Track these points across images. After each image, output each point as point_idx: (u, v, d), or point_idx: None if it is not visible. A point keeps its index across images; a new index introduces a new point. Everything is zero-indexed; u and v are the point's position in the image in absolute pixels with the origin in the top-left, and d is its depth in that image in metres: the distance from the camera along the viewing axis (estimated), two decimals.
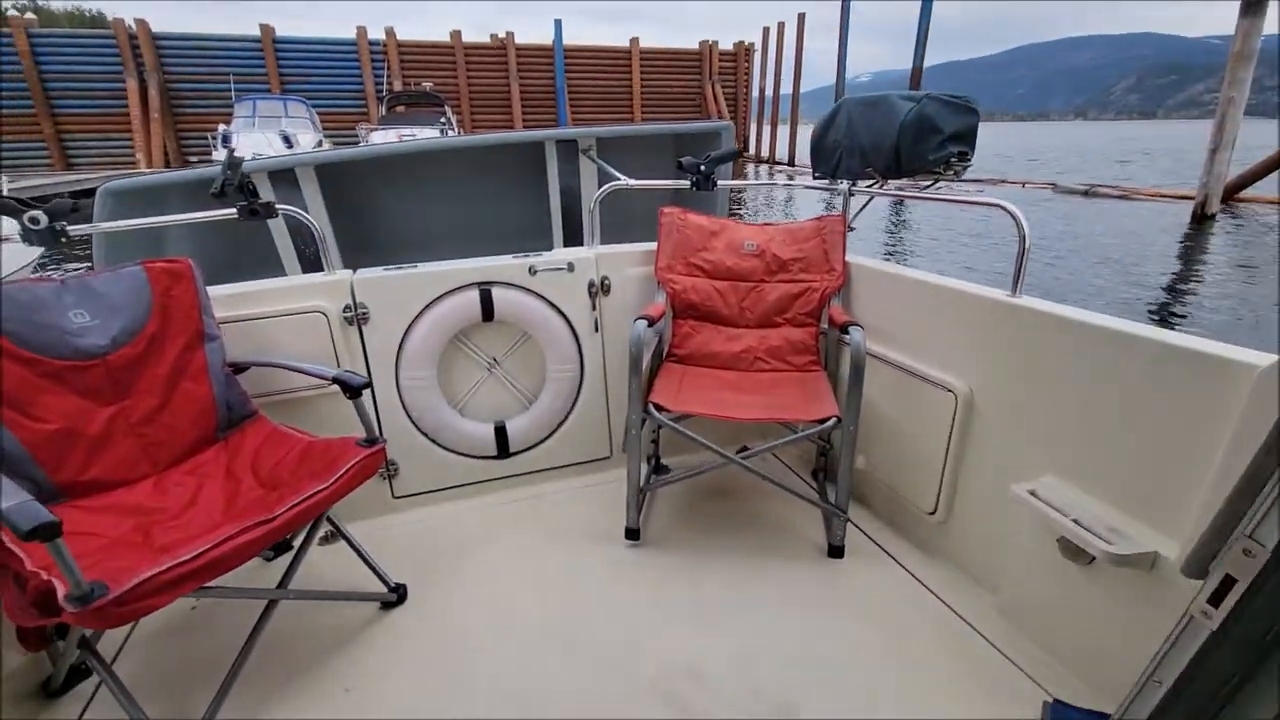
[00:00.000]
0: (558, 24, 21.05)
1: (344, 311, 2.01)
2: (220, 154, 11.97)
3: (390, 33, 19.68)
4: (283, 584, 1.56)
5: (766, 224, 2.33)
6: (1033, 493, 1.48)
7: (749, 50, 24.63)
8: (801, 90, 25.25)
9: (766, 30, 25.75)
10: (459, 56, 20.48)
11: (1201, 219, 10.99)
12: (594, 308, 2.29)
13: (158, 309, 1.67)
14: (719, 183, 2.41)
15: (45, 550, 1.07)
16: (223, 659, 1.45)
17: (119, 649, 1.64)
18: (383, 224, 3.21)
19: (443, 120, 14.46)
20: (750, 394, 2.03)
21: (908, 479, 1.95)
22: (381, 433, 2.13)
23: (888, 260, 2.16)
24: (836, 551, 1.92)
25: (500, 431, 2.26)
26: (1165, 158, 28.59)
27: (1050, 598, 1.51)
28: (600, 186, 2.42)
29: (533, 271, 2.19)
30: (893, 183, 2.13)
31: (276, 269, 2.90)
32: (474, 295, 2.12)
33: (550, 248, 2.39)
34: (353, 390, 1.62)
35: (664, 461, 2.45)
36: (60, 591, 1.12)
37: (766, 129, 26.45)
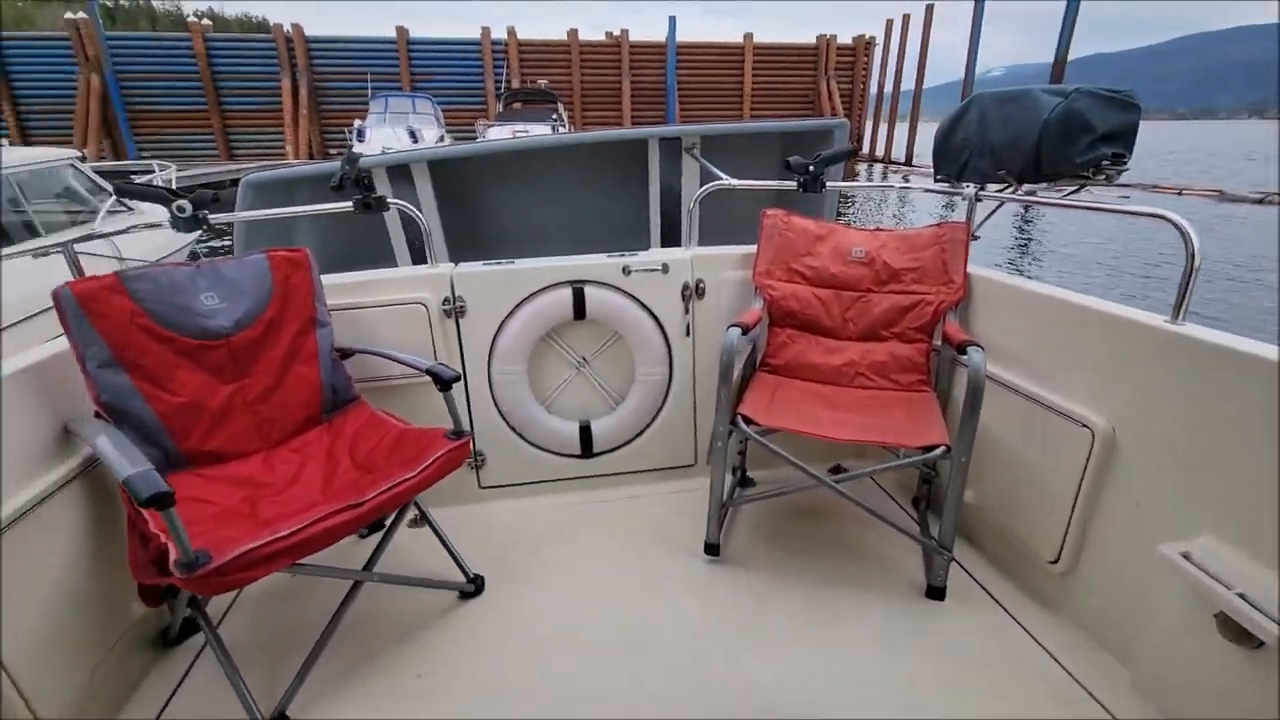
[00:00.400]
0: (672, 20, 21.05)
1: (443, 304, 2.06)
2: (358, 147, 12.96)
3: (512, 32, 20.50)
4: (370, 564, 1.62)
5: (878, 229, 2.16)
6: (1186, 556, 1.26)
7: (869, 44, 23.51)
8: (924, 86, 23.81)
9: (890, 23, 24.47)
10: (574, 54, 20.98)
11: None
12: (687, 311, 2.22)
13: (277, 295, 1.78)
14: (828, 184, 2.27)
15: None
16: (312, 631, 1.52)
17: (226, 610, 1.78)
18: (488, 218, 3.30)
19: (554, 117, 14.86)
20: (848, 412, 1.89)
21: (1026, 520, 1.74)
22: (473, 424, 2.18)
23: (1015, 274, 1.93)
24: (936, 592, 1.75)
25: (585, 431, 2.25)
26: None
27: (1202, 683, 1.28)
28: (702, 186, 2.35)
29: (626, 271, 2.15)
30: (1027, 187, 1.90)
31: (391, 259, 3.06)
32: (567, 293, 2.12)
33: (647, 247, 2.36)
34: (443, 383, 1.66)
35: (750, 474, 2.34)
36: (172, 556, 1.21)
37: (883, 127, 25.18)
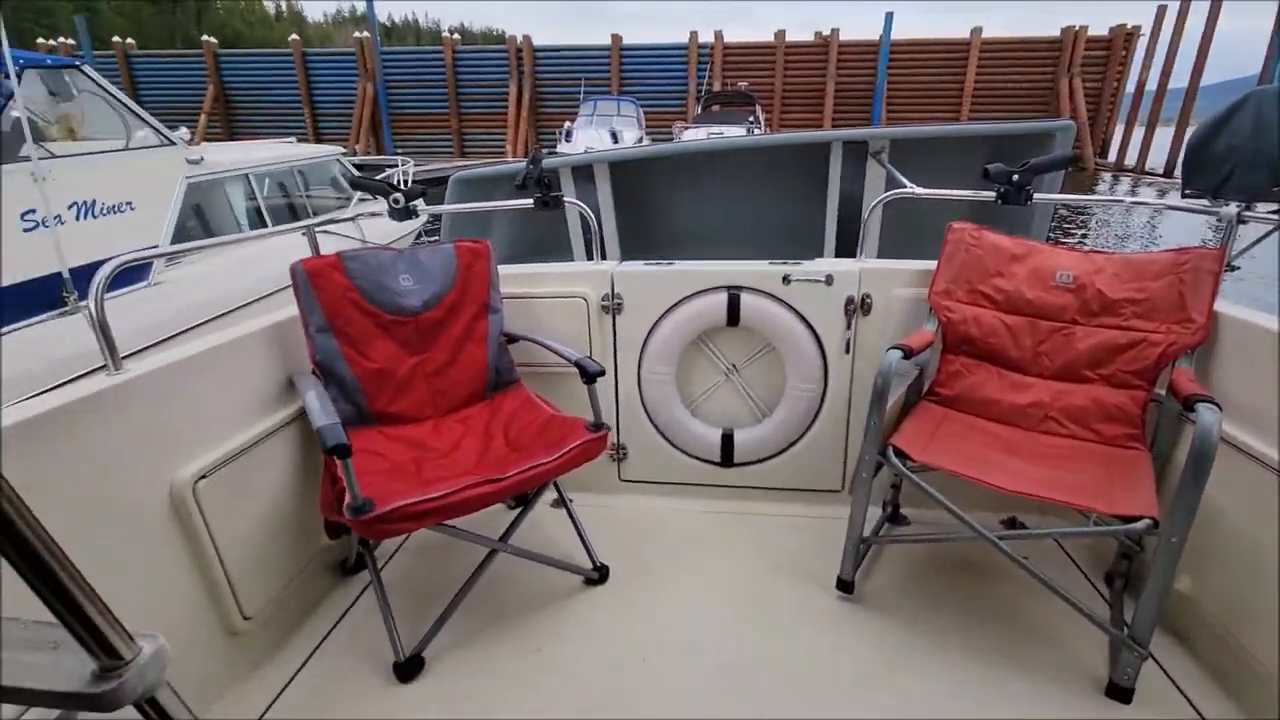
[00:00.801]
0: (888, 17, 19.80)
1: (602, 300, 2.15)
2: (565, 146, 14.06)
3: (718, 35, 20.74)
4: (506, 536, 1.75)
5: (1095, 251, 1.83)
6: None
7: (1130, 35, 20.03)
8: (1202, 83, 19.73)
9: (1162, 10, 20.61)
10: (779, 55, 20.66)
11: None
12: (849, 326, 2.08)
13: (460, 281, 1.99)
14: (1035, 196, 1.98)
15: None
16: (455, 587, 1.68)
17: (393, 553, 2.03)
18: (662, 219, 3.38)
19: (751, 119, 14.78)
20: (1029, 461, 1.63)
21: (1258, 626, 1.38)
22: (619, 417, 2.25)
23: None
24: (1120, 693, 1.45)
25: (727, 439, 2.22)
26: None
27: None
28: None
29: (786, 280, 2.07)
30: None
31: (569, 254, 3.27)
32: (722, 298, 2.09)
33: (820, 256, 2.24)
34: (588, 376, 1.73)
35: (904, 511, 2.13)
36: (345, 500, 1.41)
37: (1138, 131, 21.33)
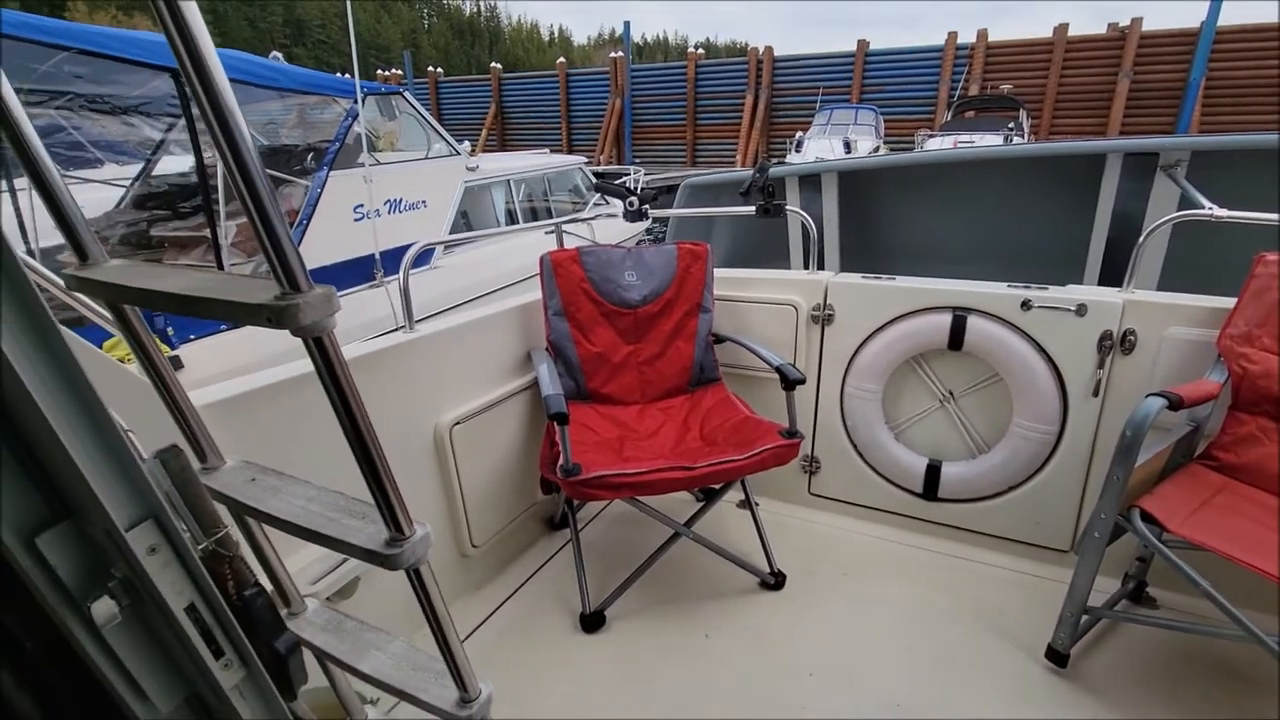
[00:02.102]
0: (1214, 4, 16.15)
1: (813, 309, 2.14)
2: (794, 156, 13.91)
3: (982, 35, 18.76)
4: (691, 523, 1.84)
5: None
6: None
7: None
8: None
9: None
10: (1056, 54, 18.04)
11: None
12: (1101, 365, 1.81)
13: (678, 280, 2.13)
14: None
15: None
16: (641, 557, 1.82)
17: (592, 517, 2.25)
18: (887, 232, 3.22)
19: (1011, 125, 13.17)
20: None
21: None
22: (816, 429, 2.23)
23: None
24: None
25: (933, 470, 2.06)
26: None
27: None
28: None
29: (1026, 306, 1.86)
30: None
31: (787, 260, 3.27)
32: (945, 319, 1.95)
33: (1079, 283, 1.98)
34: (788, 382, 1.75)
35: (1151, 591, 1.80)
36: (559, 462, 1.61)
37: None
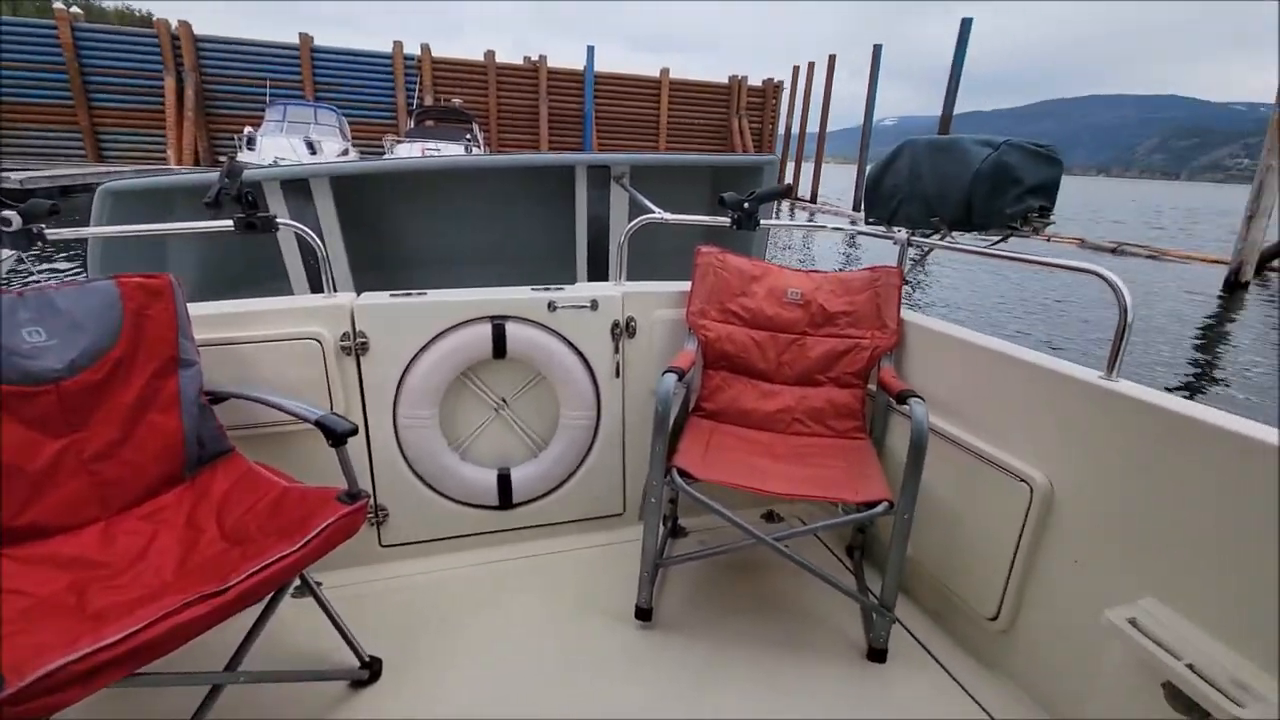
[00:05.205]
0: (590, 50, 21.30)
1: (341, 340, 1.81)
2: (245, 155, 12.00)
3: (425, 49, 19.99)
4: (235, 659, 1.33)
5: (813, 271, 2.12)
6: (1133, 622, 1.23)
7: (778, 88, 24.82)
8: (828, 129, 25.34)
9: (796, 69, 25.96)
10: (491, 76, 20.73)
11: (1235, 286, 10.71)
12: (616, 350, 2.08)
13: (128, 329, 1.47)
14: (761, 222, 2.22)
15: None
16: None
17: None
18: (398, 243, 3.03)
19: (469, 137, 14.51)
20: (787, 462, 1.80)
21: (964, 576, 1.70)
22: (374, 474, 1.93)
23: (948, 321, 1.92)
24: (878, 655, 1.67)
25: (504, 480, 2.04)
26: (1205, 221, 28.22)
27: None
28: (631, 217, 2.23)
29: (552, 307, 1.98)
30: (958, 236, 1.92)
31: (286, 286, 2.72)
32: (486, 330, 1.92)
33: (573, 280, 2.20)
34: (336, 437, 1.41)
35: (682, 523, 2.21)
36: None
37: (789, 165, 26.50)
